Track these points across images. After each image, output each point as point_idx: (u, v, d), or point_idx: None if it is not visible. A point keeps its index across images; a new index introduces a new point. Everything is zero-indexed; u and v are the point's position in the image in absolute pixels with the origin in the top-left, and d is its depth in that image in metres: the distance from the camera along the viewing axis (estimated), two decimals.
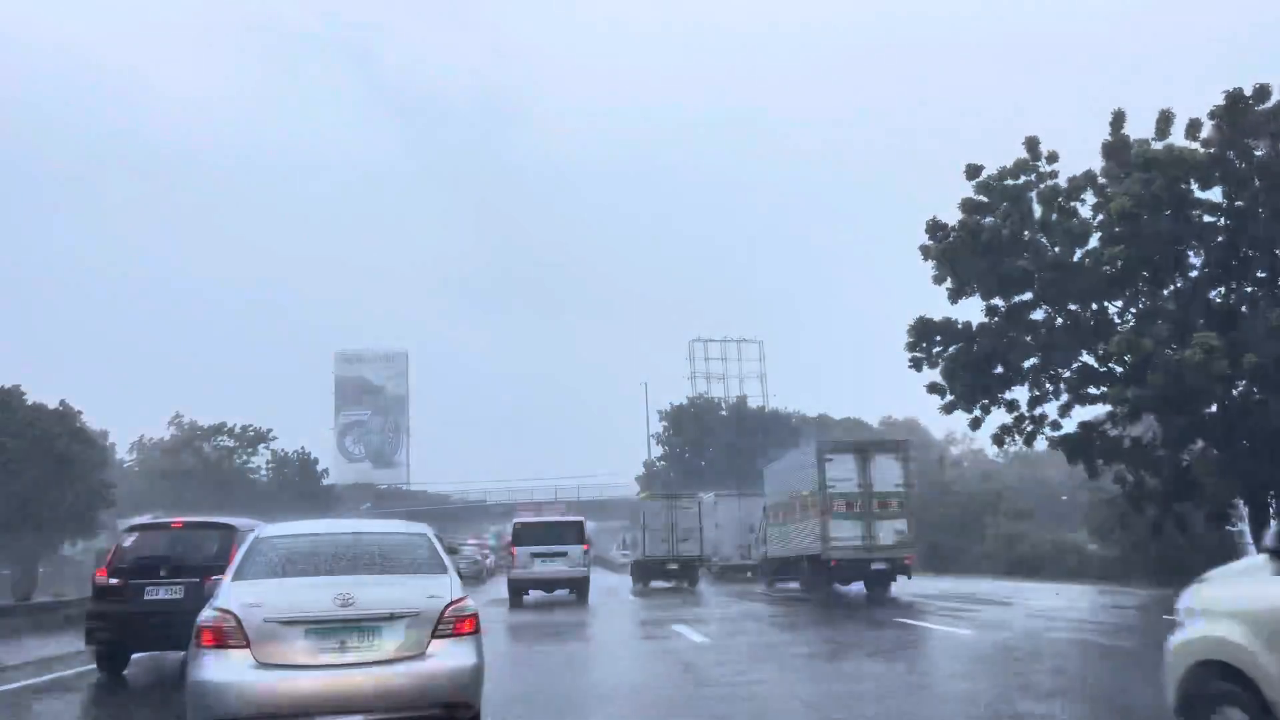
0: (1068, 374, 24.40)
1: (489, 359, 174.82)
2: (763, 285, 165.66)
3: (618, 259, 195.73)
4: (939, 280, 24.65)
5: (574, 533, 22.70)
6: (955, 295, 24.56)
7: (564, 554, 22.00)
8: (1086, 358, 23.93)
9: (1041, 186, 23.91)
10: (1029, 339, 24.41)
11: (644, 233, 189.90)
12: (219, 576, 6.95)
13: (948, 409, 25.41)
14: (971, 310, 25.25)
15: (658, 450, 62.54)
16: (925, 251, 24.73)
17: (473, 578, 31.64)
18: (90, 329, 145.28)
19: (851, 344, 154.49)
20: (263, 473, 58.01)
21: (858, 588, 23.50)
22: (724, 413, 60.28)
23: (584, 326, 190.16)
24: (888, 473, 22.65)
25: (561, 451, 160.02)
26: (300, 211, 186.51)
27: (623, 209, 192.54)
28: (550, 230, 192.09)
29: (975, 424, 25.46)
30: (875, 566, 22.29)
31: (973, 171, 24.37)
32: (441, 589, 6.26)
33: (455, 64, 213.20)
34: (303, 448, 59.59)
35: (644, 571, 30.58)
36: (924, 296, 26.37)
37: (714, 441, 53.94)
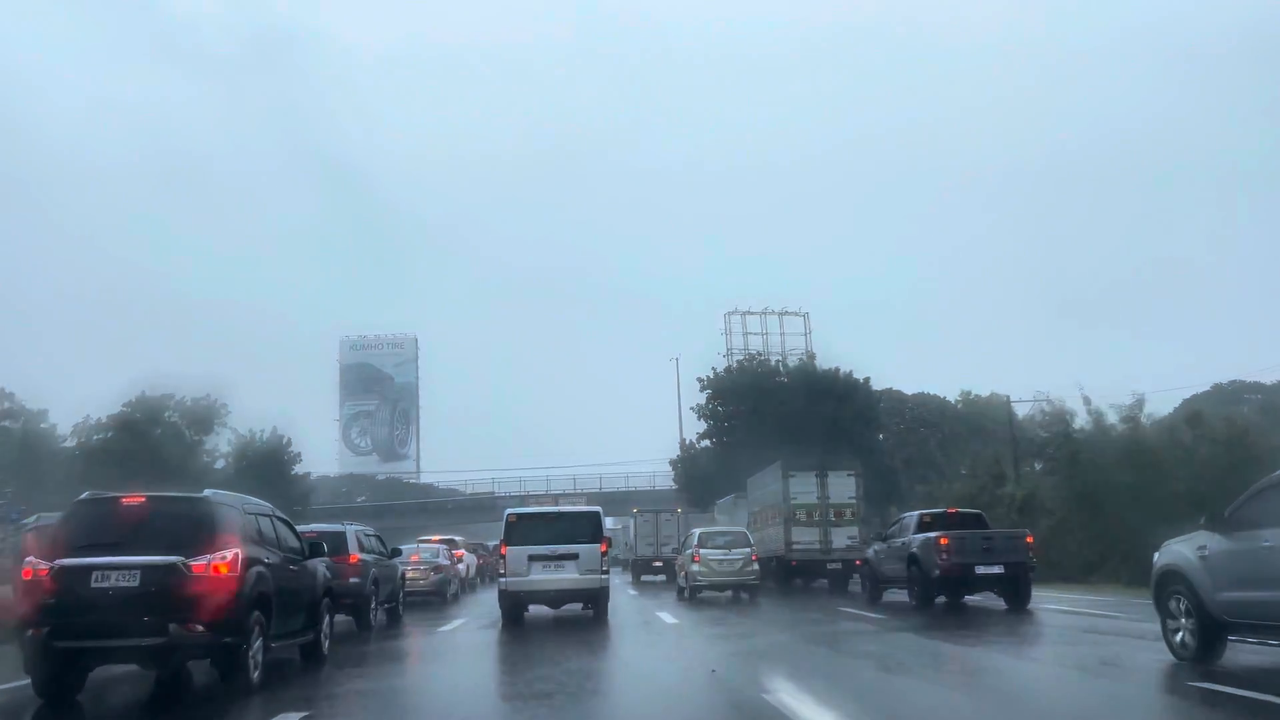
0: None
1: (503, 346, 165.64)
2: (799, 257, 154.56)
3: (637, 235, 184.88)
4: None
5: (587, 528, 17.20)
6: None
7: (573, 556, 16.70)
8: None
9: None
10: None
11: (675, 200, 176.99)
12: None
13: None
14: None
15: (700, 426, 52.74)
16: None
17: (431, 591, 23.93)
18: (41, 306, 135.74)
19: (904, 319, 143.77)
20: (220, 462, 47.74)
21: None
22: (782, 379, 50.15)
23: (605, 308, 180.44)
24: (843, 488, 26.99)
25: (586, 442, 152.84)
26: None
27: (650, 169, 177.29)
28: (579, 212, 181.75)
29: None
30: (831, 566, 26.80)
31: None
32: None
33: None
34: (274, 429, 49.43)
35: (638, 569, 37.53)
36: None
37: (773, 411, 44.12)
